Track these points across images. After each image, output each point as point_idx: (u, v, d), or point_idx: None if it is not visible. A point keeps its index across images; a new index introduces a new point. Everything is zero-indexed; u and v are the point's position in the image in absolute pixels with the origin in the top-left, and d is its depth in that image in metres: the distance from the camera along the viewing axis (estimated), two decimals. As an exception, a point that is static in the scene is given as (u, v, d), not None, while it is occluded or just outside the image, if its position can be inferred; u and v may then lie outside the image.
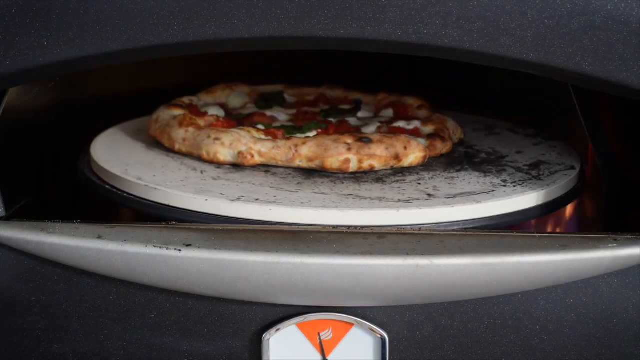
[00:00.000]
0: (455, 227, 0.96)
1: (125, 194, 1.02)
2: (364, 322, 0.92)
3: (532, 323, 0.92)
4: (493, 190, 1.01)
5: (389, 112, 1.23)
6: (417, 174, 1.07)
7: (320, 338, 0.92)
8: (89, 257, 0.90)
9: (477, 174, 1.07)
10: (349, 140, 1.07)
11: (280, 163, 1.07)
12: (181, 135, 1.11)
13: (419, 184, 1.04)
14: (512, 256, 0.89)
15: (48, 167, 1.16)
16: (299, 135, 1.12)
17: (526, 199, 1.01)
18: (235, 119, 1.18)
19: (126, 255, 0.89)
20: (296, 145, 1.07)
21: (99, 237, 0.90)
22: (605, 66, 0.88)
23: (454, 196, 0.99)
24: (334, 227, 0.94)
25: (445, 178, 1.06)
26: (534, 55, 0.89)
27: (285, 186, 1.02)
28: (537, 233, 0.93)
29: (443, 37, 0.88)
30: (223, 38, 0.89)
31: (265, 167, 1.08)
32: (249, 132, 1.10)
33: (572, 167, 1.09)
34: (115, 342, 0.94)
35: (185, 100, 1.21)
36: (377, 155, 1.07)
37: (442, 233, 0.93)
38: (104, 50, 0.89)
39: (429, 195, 1.00)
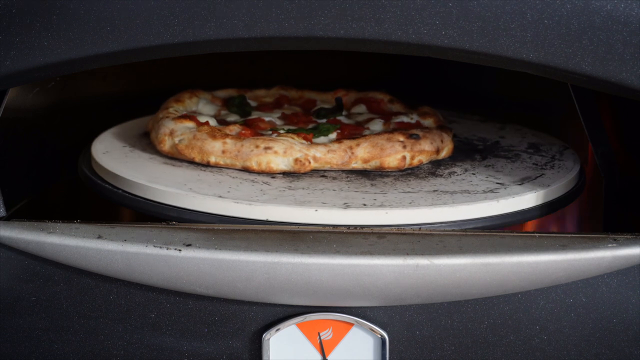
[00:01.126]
0: (455, 228, 0.96)
1: (134, 196, 1.02)
2: (364, 322, 0.92)
3: (532, 323, 0.92)
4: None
5: (361, 109, 1.23)
6: (454, 165, 1.10)
7: (320, 338, 0.92)
8: (89, 257, 0.90)
9: (482, 171, 1.07)
10: (402, 138, 1.08)
11: (334, 167, 1.07)
12: (219, 148, 1.06)
13: (474, 174, 1.07)
14: (512, 256, 0.89)
15: (48, 167, 1.16)
16: (322, 137, 1.11)
17: (526, 199, 1.01)
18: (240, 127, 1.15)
19: (126, 255, 0.89)
20: (351, 148, 1.07)
21: (99, 237, 0.90)
22: (605, 66, 0.88)
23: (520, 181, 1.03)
24: (334, 227, 0.94)
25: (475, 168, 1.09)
26: (534, 55, 0.89)
27: (365, 188, 1.02)
28: (537, 233, 0.93)
29: (443, 37, 0.88)
30: (223, 38, 0.89)
31: (319, 172, 1.07)
32: (292, 137, 1.08)
33: (572, 167, 1.09)
34: (115, 342, 0.94)
35: (178, 109, 1.18)
36: (426, 151, 1.09)
37: (442, 233, 0.93)
38: (104, 50, 0.89)
39: (500, 184, 1.03)
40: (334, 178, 1.06)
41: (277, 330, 0.92)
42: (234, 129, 1.10)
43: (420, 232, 0.93)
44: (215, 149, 1.06)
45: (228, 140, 1.07)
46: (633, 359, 0.93)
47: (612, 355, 0.93)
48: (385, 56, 1.19)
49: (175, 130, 1.10)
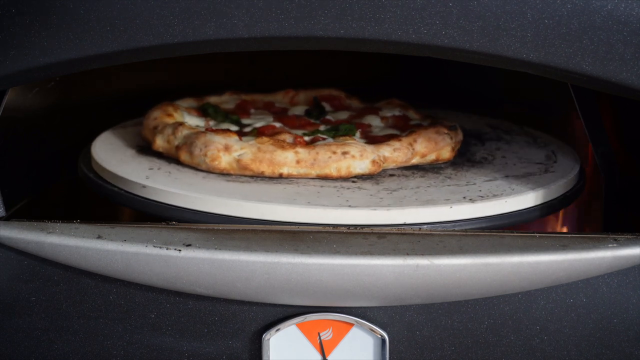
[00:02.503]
0: (455, 227, 0.96)
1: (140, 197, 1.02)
2: (364, 322, 0.92)
3: (532, 323, 0.92)
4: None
5: (328, 107, 1.24)
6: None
7: (320, 338, 0.92)
8: (89, 257, 0.90)
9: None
10: (446, 130, 1.11)
11: (397, 165, 1.08)
12: (292, 158, 1.03)
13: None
14: (512, 256, 0.89)
15: (48, 167, 1.16)
16: (343, 138, 1.10)
17: (526, 200, 1.01)
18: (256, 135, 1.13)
19: (126, 255, 0.89)
20: (411, 144, 1.08)
21: (99, 237, 0.90)
22: (605, 66, 0.88)
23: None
24: (334, 227, 0.94)
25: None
26: (534, 55, 0.89)
27: (450, 181, 1.05)
28: (537, 233, 0.93)
29: (443, 37, 0.88)
30: (223, 38, 0.89)
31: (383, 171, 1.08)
32: (352, 140, 1.08)
33: (572, 167, 1.09)
34: (115, 342, 0.94)
35: (199, 124, 1.15)
36: (458, 142, 1.13)
37: (442, 233, 0.93)
38: (104, 50, 0.89)
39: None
40: (403, 175, 1.07)
41: (277, 330, 0.92)
42: (286, 136, 1.08)
43: (420, 232, 0.93)
44: (289, 159, 1.04)
45: (300, 150, 1.04)
46: (633, 359, 0.93)
47: (612, 356, 0.93)
48: (385, 56, 1.18)
49: (231, 145, 1.05)
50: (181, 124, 1.09)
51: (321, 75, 1.42)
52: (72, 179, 1.19)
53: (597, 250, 0.90)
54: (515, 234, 0.93)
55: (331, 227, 0.94)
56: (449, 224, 0.96)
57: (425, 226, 0.95)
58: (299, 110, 1.22)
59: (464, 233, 0.93)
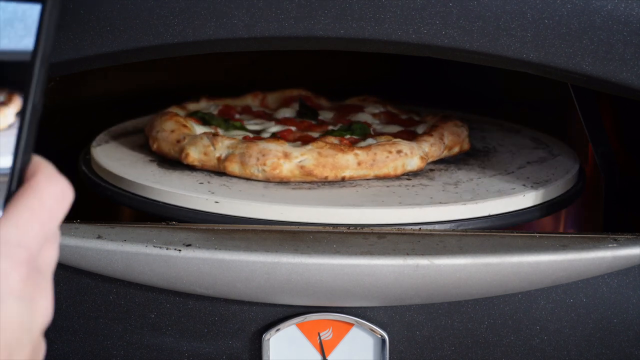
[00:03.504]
0: (455, 227, 0.96)
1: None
2: (364, 322, 0.92)
3: (532, 323, 0.92)
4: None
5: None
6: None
7: (320, 338, 0.92)
8: (89, 257, 0.90)
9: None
10: (460, 123, 1.13)
11: (433, 159, 1.09)
12: (353, 161, 1.02)
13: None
14: (512, 256, 0.89)
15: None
16: (385, 137, 1.10)
17: (526, 200, 1.01)
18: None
19: (126, 255, 0.89)
20: (441, 139, 1.09)
21: (99, 237, 0.90)
22: (605, 66, 0.88)
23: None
24: (334, 226, 0.94)
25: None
26: (534, 55, 0.89)
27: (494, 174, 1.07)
28: (537, 233, 0.93)
29: (443, 37, 0.88)
30: (223, 38, 0.89)
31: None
32: (390, 139, 1.07)
33: (572, 167, 1.09)
34: (115, 342, 0.94)
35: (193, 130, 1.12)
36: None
37: (442, 233, 0.93)
38: (104, 50, 0.89)
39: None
40: (444, 169, 1.09)
41: (277, 330, 0.92)
42: (332, 139, 1.07)
43: (420, 232, 0.93)
44: (350, 162, 1.02)
45: (358, 152, 1.03)
46: (633, 359, 0.93)
47: (612, 356, 0.93)
48: (385, 56, 1.18)
49: (290, 152, 1.02)
50: (217, 134, 1.06)
51: (321, 75, 1.42)
52: (72, 179, 1.19)
53: (597, 250, 0.90)
54: (515, 234, 0.93)
55: (331, 227, 0.94)
56: (448, 224, 0.96)
57: (425, 226, 0.95)
58: (288, 112, 1.20)
59: (464, 233, 0.93)
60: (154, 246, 0.89)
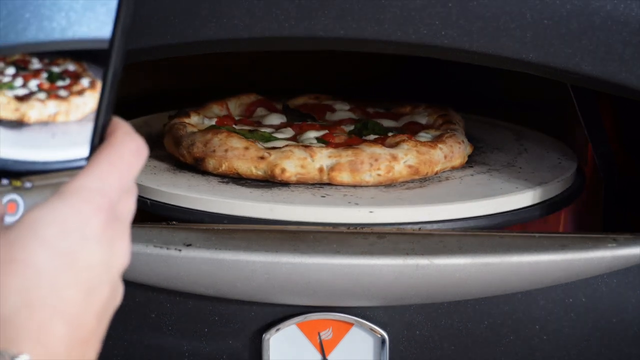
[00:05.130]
0: (455, 227, 0.96)
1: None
2: (364, 322, 0.92)
3: (532, 323, 0.92)
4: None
5: (264, 111, 1.21)
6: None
7: (320, 338, 0.92)
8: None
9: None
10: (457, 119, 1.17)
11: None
12: (441, 155, 1.04)
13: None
14: (512, 256, 0.89)
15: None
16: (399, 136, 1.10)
17: (526, 199, 1.01)
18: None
19: (126, 255, 0.89)
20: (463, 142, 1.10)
21: (99, 237, 0.90)
22: (605, 66, 0.88)
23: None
24: (334, 226, 0.94)
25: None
26: (534, 55, 0.89)
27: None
28: (536, 233, 0.93)
29: (443, 37, 0.88)
30: (223, 38, 0.89)
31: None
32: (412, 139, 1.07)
33: (572, 167, 1.09)
34: (115, 342, 0.94)
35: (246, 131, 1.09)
36: None
37: (442, 233, 0.93)
38: (104, 50, 0.89)
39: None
40: (467, 167, 1.10)
41: (277, 330, 0.92)
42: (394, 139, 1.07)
43: (420, 232, 0.93)
44: (440, 157, 1.04)
45: (441, 146, 1.05)
46: (633, 359, 0.93)
47: (611, 355, 0.93)
48: (385, 56, 1.18)
49: (396, 154, 1.01)
50: (304, 145, 1.03)
51: (321, 75, 1.42)
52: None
53: (597, 250, 0.90)
54: (515, 234, 0.93)
55: (331, 227, 0.94)
56: (448, 224, 0.96)
57: (425, 226, 0.95)
58: (276, 117, 1.17)
59: (464, 233, 0.93)
60: (154, 246, 0.89)
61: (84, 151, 0.58)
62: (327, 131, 1.09)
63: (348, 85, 1.31)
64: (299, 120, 1.17)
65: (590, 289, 0.92)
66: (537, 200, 1.01)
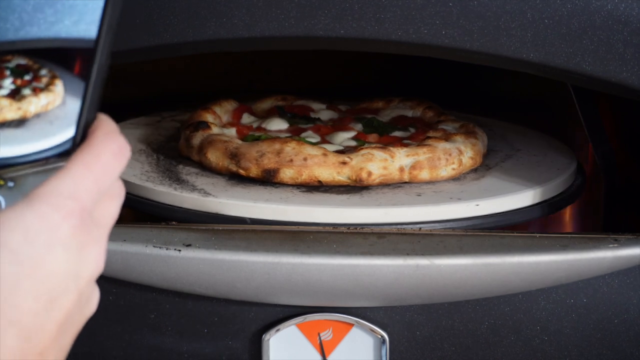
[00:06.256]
0: (455, 227, 0.96)
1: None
2: (364, 322, 0.92)
3: (533, 323, 0.92)
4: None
5: (251, 118, 1.19)
6: None
7: (320, 338, 0.92)
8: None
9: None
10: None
11: None
12: (482, 145, 1.08)
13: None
14: (512, 256, 0.89)
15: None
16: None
17: (526, 199, 1.01)
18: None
19: (126, 255, 0.89)
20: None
21: (99, 237, 0.90)
22: (605, 66, 0.88)
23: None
24: (334, 226, 0.94)
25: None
26: (534, 55, 0.89)
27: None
28: (537, 233, 0.93)
29: (443, 37, 0.88)
30: (223, 38, 0.89)
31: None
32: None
33: (572, 167, 1.09)
34: (115, 342, 0.94)
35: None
36: None
37: (442, 233, 0.93)
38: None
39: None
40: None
41: (277, 330, 0.92)
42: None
43: (420, 232, 0.93)
44: (482, 146, 1.09)
45: (479, 134, 1.09)
46: (634, 359, 0.93)
47: (613, 356, 0.93)
48: (385, 56, 1.18)
49: (463, 149, 1.04)
50: (387, 146, 1.03)
51: (321, 75, 1.42)
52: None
53: (598, 250, 0.90)
54: (515, 234, 0.93)
55: (331, 227, 0.94)
56: (448, 224, 0.96)
57: (425, 226, 0.95)
58: (277, 121, 1.15)
59: (464, 233, 0.93)
60: (154, 246, 0.89)
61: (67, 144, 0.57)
62: (355, 132, 1.10)
63: (348, 85, 1.31)
64: (297, 123, 1.16)
65: (591, 290, 0.92)
66: (537, 200, 1.01)
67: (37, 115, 0.59)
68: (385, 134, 1.10)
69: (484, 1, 0.87)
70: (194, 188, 1.00)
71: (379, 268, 0.88)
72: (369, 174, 0.99)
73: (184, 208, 0.98)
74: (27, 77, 0.59)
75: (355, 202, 0.97)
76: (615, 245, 0.90)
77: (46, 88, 0.59)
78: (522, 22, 0.88)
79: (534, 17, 0.87)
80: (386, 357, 0.92)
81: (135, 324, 0.93)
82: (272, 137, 1.05)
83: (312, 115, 1.18)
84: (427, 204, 0.97)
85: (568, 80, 0.92)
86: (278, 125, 1.13)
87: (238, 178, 1.02)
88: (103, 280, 0.92)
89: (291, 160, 1.00)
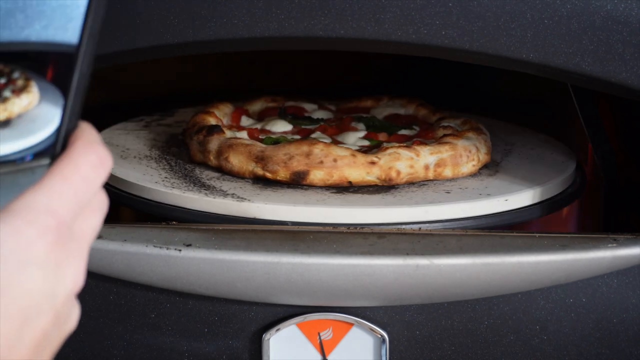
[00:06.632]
0: (455, 227, 0.96)
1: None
2: (364, 322, 0.92)
3: (532, 323, 0.92)
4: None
5: (250, 121, 1.19)
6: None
7: (320, 338, 0.92)
8: (89, 257, 0.90)
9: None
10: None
11: None
12: (484, 150, 1.07)
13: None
14: (512, 256, 0.89)
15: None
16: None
17: (526, 199, 1.01)
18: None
19: (126, 255, 0.89)
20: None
21: (99, 237, 0.90)
22: (605, 66, 0.88)
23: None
24: (334, 226, 0.94)
25: None
26: (534, 55, 0.89)
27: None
28: (537, 233, 0.93)
29: (443, 37, 0.88)
30: (223, 38, 0.89)
31: None
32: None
33: (572, 167, 1.09)
34: (115, 342, 0.94)
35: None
36: None
37: (442, 233, 0.93)
38: (105, 50, 0.89)
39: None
40: None
41: (277, 330, 0.92)
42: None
43: (420, 232, 0.93)
44: (490, 142, 1.11)
45: (485, 131, 1.11)
46: (633, 359, 0.93)
47: (612, 356, 0.93)
48: (385, 56, 1.18)
49: (477, 145, 1.06)
50: (411, 144, 1.05)
51: (321, 75, 1.42)
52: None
53: (597, 250, 0.90)
54: (515, 234, 0.93)
55: (331, 227, 0.94)
56: (448, 224, 0.96)
57: (425, 226, 0.95)
58: (280, 123, 1.15)
59: (464, 233, 0.93)
60: (154, 246, 0.89)
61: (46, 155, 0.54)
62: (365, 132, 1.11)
63: (348, 85, 1.31)
64: (300, 124, 1.15)
65: (590, 289, 0.92)
66: (537, 200, 1.01)
67: (19, 116, 0.57)
68: (394, 133, 1.11)
69: (484, 1, 0.87)
70: (225, 193, 0.99)
71: (379, 268, 0.88)
72: (398, 173, 1.00)
73: (220, 214, 0.96)
74: (2, 81, 0.58)
75: (392, 202, 0.97)
76: (614, 245, 0.90)
77: (24, 89, 0.58)
78: (522, 22, 0.88)
79: (533, 17, 0.88)
80: (386, 357, 0.92)
81: (136, 324, 0.93)
82: (296, 140, 1.04)
83: (307, 116, 1.18)
84: (460, 201, 0.97)
85: (568, 80, 0.92)
86: (282, 127, 1.13)
87: (263, 181, 1.02)
88: (104, 280, 0.92)
89: (321, 162, 1.00)
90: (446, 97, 1.38)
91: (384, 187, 1.01)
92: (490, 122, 1.27)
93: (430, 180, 1.03)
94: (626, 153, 1.10)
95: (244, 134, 1.10)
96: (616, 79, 0.89)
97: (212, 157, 1.05)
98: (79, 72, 0.54)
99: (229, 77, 1.39)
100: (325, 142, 1.02)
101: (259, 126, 1.13)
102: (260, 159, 1.01)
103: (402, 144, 1.04)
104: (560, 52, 0.88)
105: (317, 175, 1.00)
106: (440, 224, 0.96)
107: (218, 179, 1.03)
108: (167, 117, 1.25)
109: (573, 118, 1.15)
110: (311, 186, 1.01)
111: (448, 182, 1.03)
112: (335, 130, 1.11)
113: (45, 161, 0.54)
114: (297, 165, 1.00)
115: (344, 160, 1.00)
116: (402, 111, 1.20)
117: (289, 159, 1.00)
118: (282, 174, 1.01)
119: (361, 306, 0.92)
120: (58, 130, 0.54)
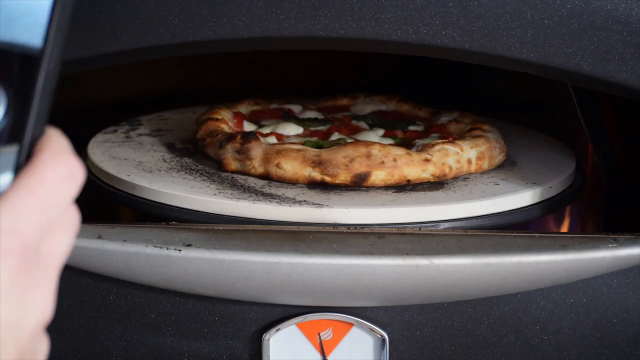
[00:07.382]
0: (455, 227, 0.96)
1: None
2: (364, 322, 0.92)
3: (532, 323, 0.92)
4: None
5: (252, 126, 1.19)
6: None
7: (320, 338, 0.92)
8: (89, 257, 0.90)
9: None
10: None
11: None
12: (502, 142, 1.09)
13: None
14: (512, 256, 0.89)
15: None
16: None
17: (526, 199, 1.01)
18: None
19: (126, 255, 0.89)
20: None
21: (99, 237, 0.90)
22: (605, 66, 0.88)
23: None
24: (334, 227, 0.94)
25: None
26: (534, 55, 0.89)
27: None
28: (537, 233, 0.93)
29: (443, 37, 0.88)
30: (223, 38, 0.89)
31: None
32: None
33: (572, 167, 1.09)
34: (115, 342, 0.94)
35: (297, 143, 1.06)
36: None
37: (442, 233, 0.93)
38: (104, 50, 0.89)
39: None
40: None
41: (277, 330, 0.92)
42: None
43: (420, 232, 0.93)
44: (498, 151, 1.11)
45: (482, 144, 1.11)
46: (633, 359, 0.93)
47: (612, 356, 0.93)
48: (385, 56, 1.18)
49: (498, 140, 1.09)
50: (455, 140, 1.06)
51: (321, 76, 1.42)
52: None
53: (597, 250, 0.90)
54: (515, 234, 0.93)
55: (331, 227, 0.94)
56: (448, 224, 0.96)
57: (425, 226, 0.95)
58: (289, 126, 1.14)
59: (464, 233, 0.93)
60: (154, 246, 0.89)
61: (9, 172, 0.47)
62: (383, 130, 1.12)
63: (351, 86, 1.31)
64: (308, 126, 1.14)
65: (590, 289, 0.92)
66: (537, 200, 1.01)
67: None
68: (407, 130, 1.12)
69: (484, 1, 0.87)
70: (293, 200, 0.97)
71: (379, 268, 0.88)
72: (450, 168, 1.02)
73: (300, 222, 0.95)
74: None
75: (458, 197, 0.98)
76: (615, 245, 0.90)
77: None
78: (522, 22, 0.88)
79: (533, 17, 0.88)
80: (386, 357, 0.92)
81: (136, 324, 0.93)
82: (349, 142, 1.04)
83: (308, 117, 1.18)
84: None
85: (568, 80, 0.92)
86: (294, 130, 1.12)
87: (319, 186, 1.01)
88: (104, 280, 0.92)
89: (382, 163, 1.00)
90: (446, 97, 1.38)
91: (437, 184, 1.02)
92: (490, 122, 1.27)
93: (471, 173, 1.05)
94: (628, 153, 1.10)
95: (273, 139, 1.07)
96: (616, 79, 0.89)
97: (255, 165, 1.02)
98: (45, 72, 0.49)
99: (229, 77, 1.39)
100: (379, 143, 1.02)
101: (267, 130, 1.12)
102: (318, 164, 1.00)
103: (445, 140, 1.05)
104: (560, 52, 0.88)
105: (378, 176, 1.00)
106: (445, 223, 0.96)
107: (270, 185, 1.01)
108: (138, 125, 1.20)
109: (573, 118, 1.15)
110: (370, 187, 1.01)
111: (486, 174, 1.05)
112: (347, 131, 1.11)
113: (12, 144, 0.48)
114: (359, 167, 1.00)
115: (402, 159, 1.00)
116: (383, 107, 1.20)
117: (349, 162, 1.00)
118: (343, 177, 1.00)
119: (361, 306, 0.92)
120: (21, 137, 0.48)
